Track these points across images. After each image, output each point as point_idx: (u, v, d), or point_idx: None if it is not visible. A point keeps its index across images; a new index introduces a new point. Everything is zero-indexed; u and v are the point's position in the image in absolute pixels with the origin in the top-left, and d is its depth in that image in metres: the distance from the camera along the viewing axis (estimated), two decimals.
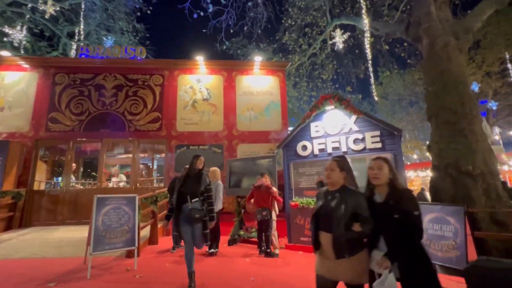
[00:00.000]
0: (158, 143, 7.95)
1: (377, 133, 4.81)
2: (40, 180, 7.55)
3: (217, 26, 13.47)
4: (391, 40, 13.81)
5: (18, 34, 11.96)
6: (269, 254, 4.68)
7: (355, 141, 5.00)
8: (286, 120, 7.76)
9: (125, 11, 17.07)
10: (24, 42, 12.62)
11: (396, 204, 1.71)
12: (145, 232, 5.68)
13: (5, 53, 8.00)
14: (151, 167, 12.30)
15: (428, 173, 11.67)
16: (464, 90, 5.64)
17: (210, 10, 12.62)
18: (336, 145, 5.20)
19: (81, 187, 9.38)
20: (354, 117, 5.09)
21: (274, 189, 5.00)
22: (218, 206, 4.82)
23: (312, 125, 5.54)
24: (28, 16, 13.75)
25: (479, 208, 4.62)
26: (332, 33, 12.30)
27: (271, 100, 7.89)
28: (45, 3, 12.86)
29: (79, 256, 4.33)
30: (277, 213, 5.02)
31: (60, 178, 9.35)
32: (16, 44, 12.06)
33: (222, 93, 7.89)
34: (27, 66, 7.76)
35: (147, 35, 18.79)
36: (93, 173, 13.01)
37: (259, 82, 8.02)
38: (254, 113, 7.77)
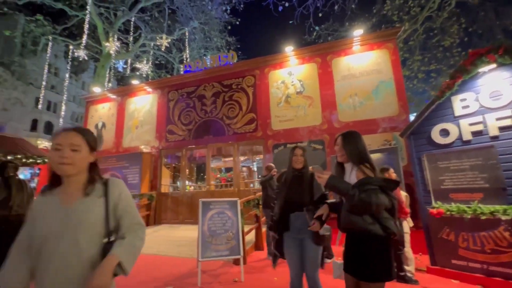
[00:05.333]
0: (255, 144, 7.86)
1: None
2: (165, 184, 8.84)
3: (304, 13, 12.63)
4: None
5: (145, 67, 15.08)
6: (403, 279, 3.47)
7: None
8: (404, 101, 6.04)
9: (218, 29, 18.82)
10: (149, 73, 15.85)
11: None
12: (251, 236, 5.48)
13: (135, 82, 9.97)
14: (251, 168, 12.72)
15: None
16: None
17: None
18: (507, 122, 3.38)
19: (195, 189, 10.54)
20: None
21: (401, 192, 3.74)
22: None
23: (455, 99, 3.88)
24: (151, 52, 17.23)
25: None
26: None
27: (380, 79, 6.36)
28: (161, 38, 15.68)
29: (193, 258, 4.48)
30: (411, 224, 3.71)
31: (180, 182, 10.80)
32: (144, 75, 15.29)
33: (318, 82, 6.98)
34: (150, 89, 9.36)
35: (238, 46, 20.14)
36: (204, 176, 14.71)
37: (362, 61, 6.63)
38: (358, 98, 6.46)
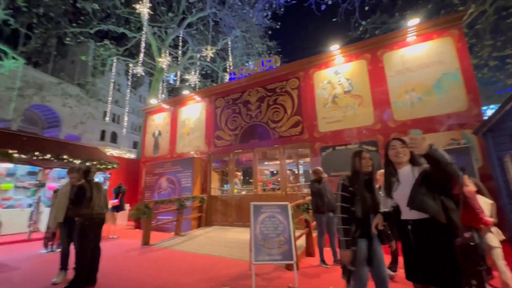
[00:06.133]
0: (301, 147, 7.71)
1: None
2: (214, 187, 9.24)
3: (348, 9, 12.07)
4: None
5: (193, 77, 16.17)
6: None
7: None
8: (476, 94, 5.26)
9: (259, 35, 19.18)
10: (197, 83, 16.95)
11: None
12: (301, 241, 5.36)
13: (185, 92, 10.73)
14: (296, 172, 12.49)
15: None
16: None
17: None
18: None
19: (243, 193, 10.78)
20: None
21: (484, 199, 3.16)
22: None
23: None
24: (198, 63, 18.40)
25: None
26: None
27: (442, 71, 5.68)
28: (206, 49, 16.64)
29: (244, 260, 4.57)
30: (502, 237, 3.14)
31: (226, 186, 11.15)
32: (192, 86, 16.40)
33: (368, 79, 6.56)
34: (198, 98, 9.96)
35: (279, 49, 20.24)
36: (250, 180, 14.99)
37: (419, 53, 6.02)
38: (416, 94, 5.86)
